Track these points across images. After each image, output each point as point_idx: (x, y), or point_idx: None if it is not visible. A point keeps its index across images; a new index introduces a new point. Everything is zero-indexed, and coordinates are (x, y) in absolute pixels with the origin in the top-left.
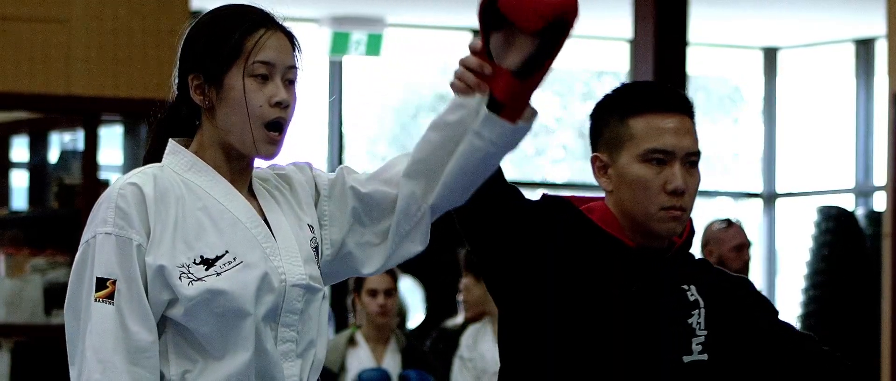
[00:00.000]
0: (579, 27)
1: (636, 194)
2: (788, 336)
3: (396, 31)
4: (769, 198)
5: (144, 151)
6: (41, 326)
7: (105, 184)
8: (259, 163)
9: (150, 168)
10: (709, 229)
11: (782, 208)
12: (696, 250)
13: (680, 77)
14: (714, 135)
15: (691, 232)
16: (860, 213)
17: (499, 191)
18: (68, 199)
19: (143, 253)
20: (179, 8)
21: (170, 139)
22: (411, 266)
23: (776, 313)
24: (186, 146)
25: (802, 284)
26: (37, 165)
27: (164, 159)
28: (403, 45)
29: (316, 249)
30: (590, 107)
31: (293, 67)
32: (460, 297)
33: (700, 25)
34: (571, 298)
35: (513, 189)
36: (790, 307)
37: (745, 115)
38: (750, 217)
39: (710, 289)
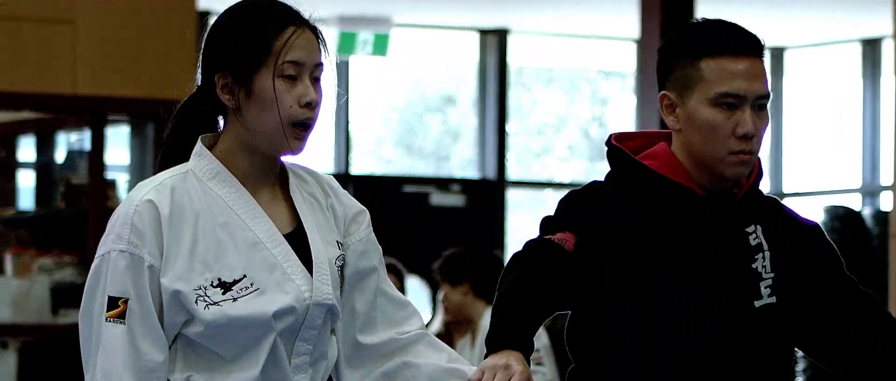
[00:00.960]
0: (586, 26)
1: (705, 138)
2: (849, 292)
3: (403, 31)
4: (776, 197)
5: (163, 148)
6: (48, 326)
7: (112, 184)
8: (292, 159)
9: (171, 178)
10: None
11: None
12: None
13: None
14: None
15: (759, 173)
16: (867, 213)
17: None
18: (75, 199)
19: (156, 274)
20: (186, 8)
21: (199, 138)
22: (418, 266)
23: (841, 264)
24: (212, 145)
25: None
26: (43, 166)
27: (191, 161)
28: (410, 45)
29: (340, 268)
30: (596, 107)
31: (320, 65)
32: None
33: None
34: (642, 256)
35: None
36: None
37: None
38: None
39: (777, 231)
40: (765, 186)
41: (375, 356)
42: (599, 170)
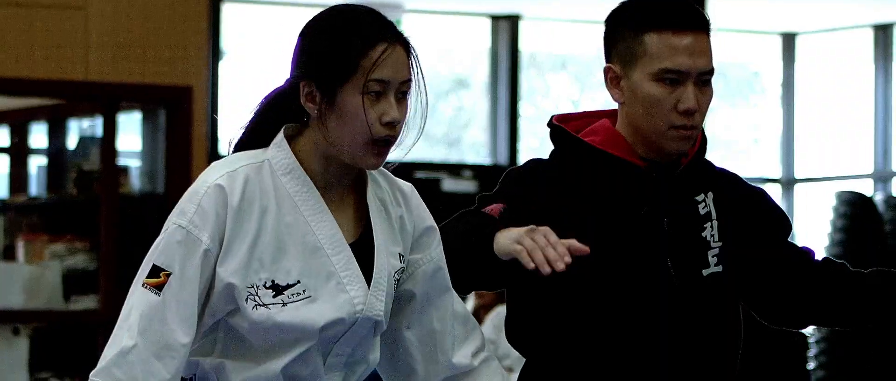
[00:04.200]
0: (597, 12)
1: (647, 112)
2: (794, 251)
3: (415, 17)
4: (788, 183)
5: (242, 132)
6: (60, 312)
7: (123, 170)
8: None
9: (246, 166)
10: None
11: (801, 194)
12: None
13: None
14: (733, 120)
15: (704, 142)
16: (878, 198)
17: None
18: (87, 185)
19: (212, 260)
20: None
21: (283, 127)
22: None
23: (790, 229)
24: (292, 136)
25: None
26: (55, 152)
27: (270, 149)
28: (422, 31)
29: (397, 281)
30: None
31: (408, 80)
32: None
33: (718, 11)
34: (586, 231)
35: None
36: None
37: (763, 100)
38: None
39: (725, 199)
40: (776, 172)
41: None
42: None
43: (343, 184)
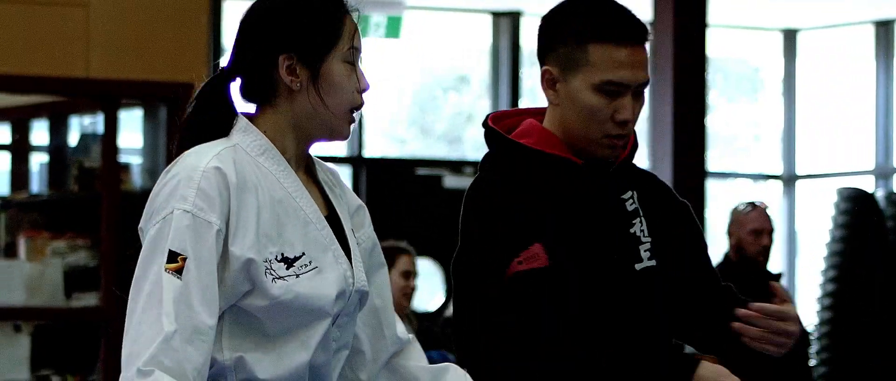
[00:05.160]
0: None
1: (583, 119)
2: (705, 269)
3: (416, 14)
4: (789, 180)
5: (189, 119)
6: (61, 309)
7: (125, 167)
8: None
9: (225, 149)
10: (733, 212)
11: (802, 190)
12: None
13: (699, 58)
14: (733, 117)
15: (635, 145)
16: (880, 194)
17: None
18: (88, 182)
19: (221, 241)
20: None
21: (239, 114)
22: (431, 249)
23: (706, 247)
24: (253, 120)
25: (822, 265)
26: (56, 149)
27: (233, 136)
28: (423, 28)
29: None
30: None
31: (361, 50)
32: None
33: (720, 7)
34: (549, 230)
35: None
36: (810, 289)
37: (764, 96)
38: (770, 199)
39: (651, 200)
40: (777, 169)
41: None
42: None
43: (302, 164)
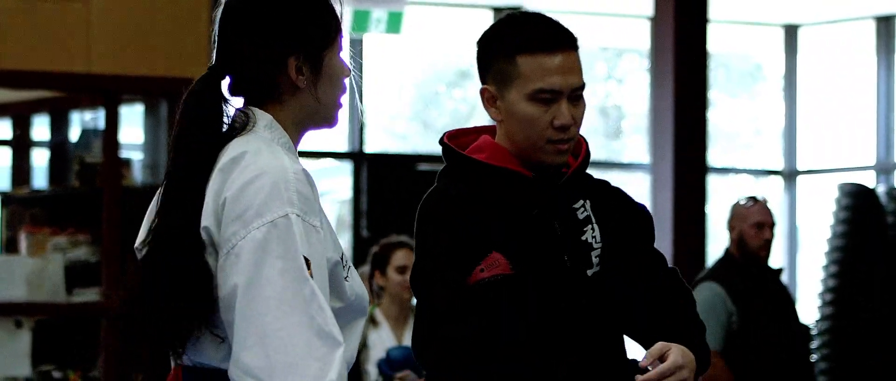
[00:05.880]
0: (600, 5)
1: (524, 129)
2: (660, 271)
3: (417, 9)
4: (790, 175)
5: (185, 117)
6: (62, 304)
7: (126, 163)
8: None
9: (279, 147)
10: (734, 206)
11: (803, 186)
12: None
13: (700, 54)
14: (734, 112)
15: (587, 154)
16: (881, 189)
17: None
18: (89, 177)
19: (322, 241)
20: None
21: (254, 110)
22: None
23: (662, 260)
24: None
25: (823, 261)
26: (58, 144)
27: (262, 131)
28: (424, 23)
29: None
30: (612, 86)
31: None
32: None
33: (720, 2)
34: (496, 240)
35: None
36: (811, 284)
37: (765, 92)
38: (771, 194)
39: (604, 208)
40: (778, 164)
41: None
42: (615, 149)
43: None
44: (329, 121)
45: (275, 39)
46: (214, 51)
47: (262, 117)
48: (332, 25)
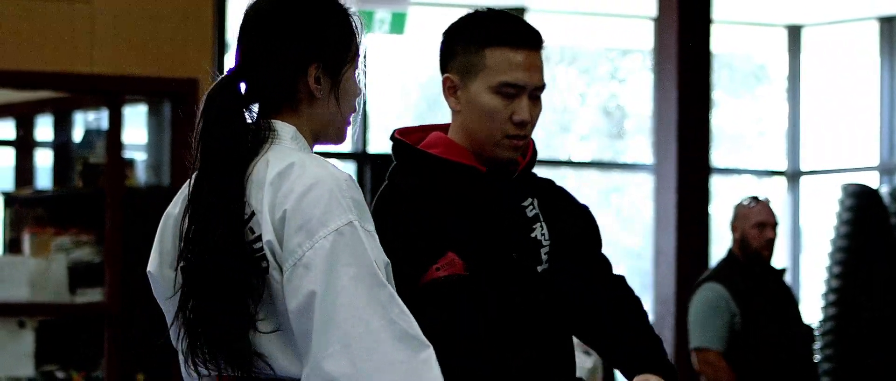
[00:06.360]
0: (603, 5)
1: (483, 121)
2: (603, 270)
3: (420, 10)
4: (793, 176)
5: (207, 126)
6: (65, 305)
7: (129, 163)
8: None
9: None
10: (737, 207)
11: (806, 186)
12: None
13: (704, 55)
14: (738, 113)
15: (534, 154)
16: (884, 190)
17: None
18: (92, 178)
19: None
20: None
21: (276, 120)
22: None
23: (600, 245)
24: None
25: (826, 261)
26: (61, 145)
27: (286, 141)
28: (427, 24)
29: None
30: (615, 86)
31: None
32: None
33: (724, 3)
34: (451, 234)
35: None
36: (814, 285)
37: (769, 92)
38: (774, 195)
39: (551, 206)
40: (782, 165)
41: None
42: (618, 149)
43: None
44: (340, 135)
45: (298, 43)
46: (234, 55)
47: (287, 129)
48: (353, 42)
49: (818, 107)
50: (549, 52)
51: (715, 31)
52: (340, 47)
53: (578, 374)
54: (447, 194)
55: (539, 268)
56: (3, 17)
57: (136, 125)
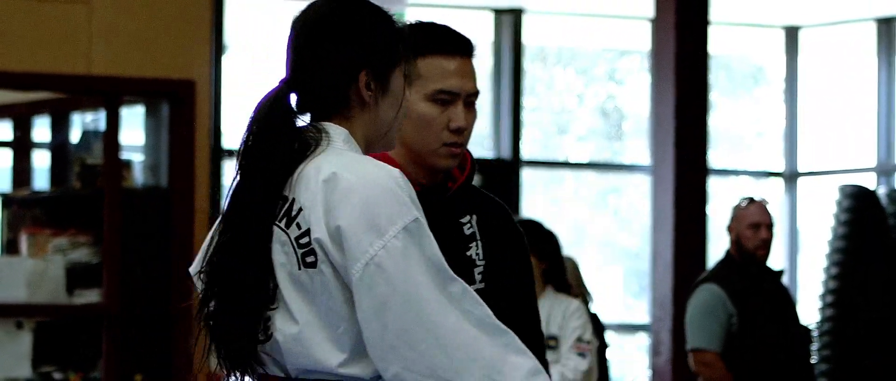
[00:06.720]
0: (601, 6)
1: (420, 130)
2: (524, 306)
3: (417, 11)
4: (791, 177)
5: (262, 134)
6: (63, 306)
7: (127, 164)
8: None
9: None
10: (733, 208)
11: (804, 187)
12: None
13: (701, 56)
14: (736, 113)
15: (473, 168)
16: (881, 191)
17: None
18: (90, 179)
19: None
20: None
21: (327, 124)
22: None
23: (531, 278)
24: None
25: (824, 263)
26: (58, 146)
27: (341, 145)
28: None
29: None
30: (612, 87)
31: None
32: None
33: (721, 4)
34: None
35: None
36: (812, 286)
37: (766, 93)
38: (771, 196)
39: (489, 225)
40: (779, 166)
41: None
42: (615, 150)
43: None
44: (391, 142)
45: (350, 49)
46: (284, 66)
47: (338, 132)
48: (400, 47)
49: (816, 108)
50: (546, 53)
51: (712, 32)
52: (388, 52)
53: (574, 376)
54: None
55: (473, 288)
56: (1, 18)
57: (133, 126)
